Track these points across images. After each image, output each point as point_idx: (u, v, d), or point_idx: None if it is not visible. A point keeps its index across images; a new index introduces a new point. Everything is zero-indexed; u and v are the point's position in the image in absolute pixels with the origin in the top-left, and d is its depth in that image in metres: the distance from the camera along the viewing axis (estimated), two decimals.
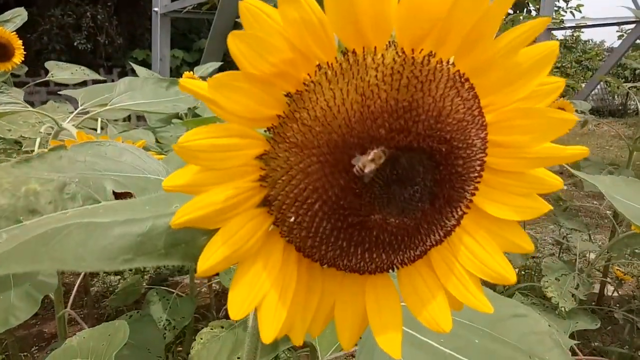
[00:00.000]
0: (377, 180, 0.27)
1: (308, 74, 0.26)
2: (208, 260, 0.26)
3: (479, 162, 0.30)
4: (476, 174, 0.30)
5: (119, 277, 2.95)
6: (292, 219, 0.28)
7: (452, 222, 0.31)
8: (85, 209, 0.32)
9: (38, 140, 1.47)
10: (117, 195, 0.40)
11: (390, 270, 0.32)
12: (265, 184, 0.28)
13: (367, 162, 0.24)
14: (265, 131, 0.28)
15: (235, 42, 0.23)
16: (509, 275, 0.33)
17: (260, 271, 0.29)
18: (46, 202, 0.35)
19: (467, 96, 0.28)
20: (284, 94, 0.27)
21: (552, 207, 0.35)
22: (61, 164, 0.42)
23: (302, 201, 0.27)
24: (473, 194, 0.31)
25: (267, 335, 0.28)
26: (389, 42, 0.27)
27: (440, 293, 0.33)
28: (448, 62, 0.28)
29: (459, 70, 0.28)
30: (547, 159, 0.32)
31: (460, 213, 0.31)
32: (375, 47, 0.26)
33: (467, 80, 0.28)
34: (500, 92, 0.30)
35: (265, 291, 0.29)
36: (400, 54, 0.26)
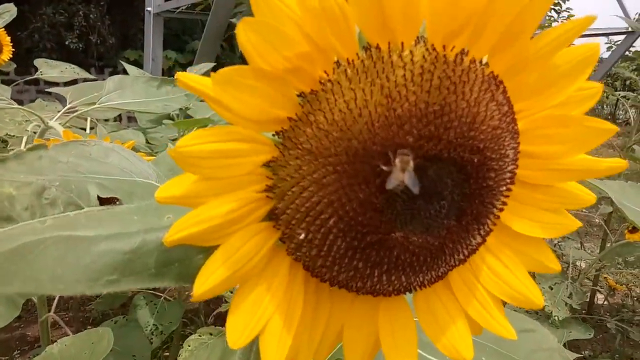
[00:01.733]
0: (401, 195, 0.23)
1: (325, 72, 0.23)
2: (206, 282, 0.23)
3: (509, 174, 0.27)
4: (506, 188, 0.27)
5: None
6: (302, 236, 0.24)
7: (477, 240, 0.28)
8: (65, 217, 0.28)
9: (25, 139, 1.42)
10: (102, 201, 0.36)
11: (407, 293, 0.29)
12: (272, 195, 0.24)
13: (398, 175, 0.21)
14: (273, 135, 0.24)
15: (245, 32, 0.20)
16: (536, 299, 0.30)
17: (263, 293, 0.25)
18: (22, 208, 0.31)
19: (502, 100, 0.25)
20: (297, 94, 0.23)
21: (581, 224, 0.32)
22: (41, 165, 0.38)
23: (314, 216, 0.23)
24: (501, 210, 0.28)
25: None
26: (418, 37, 0.23)
27: (460, 317, 0.30)
28: (481, 61, 0.25)
29: (492, 71, 0.25)
30: (581, 172, 0.29)
31: (487, 230, 0.28)
32: (402, 43, 0.23)
33: (501, 82, 0.25)
34: (535, 97, 0.27)
35: (268, 316, 0.25)
36: (431, 51, 0.23)
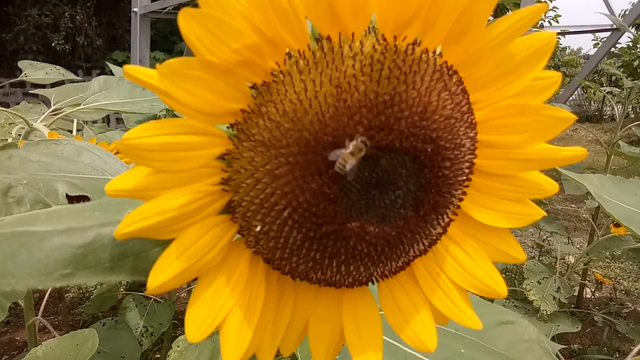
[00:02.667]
0: (355, 185, 0.23)
1: (276, 63, 0.23)
2: (161, 276, 0.23)
3: (467, 164, 0.27)
4: (464, 177, 0.27)
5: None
6: (259, 228, 0.24)
7: (437, 230, 0.28)
8: (25, 215, 0.28)
9: (9, 141, 1.40)
10: (71, 199, 0.36)
11: (370, 283, 0.29)
12: (227, 187, 0.24)
13: (347, 156, 0.21)
14: (227, 128, 0.24)
15: (188, 24, 0.20)
16: (499, 288, 0.31)
17: (222, 286, 0.25)
18: None
19: (455, 90, 0.25)
20: (249, 86, 0.23)
21: (545, 213, 0.32)
22: (11, 164, 0.38)
23: (269, 208, 0.23)
24: (461, 200, 0.28)
25: (231, 357, 0.25)
26: (369, 27, 0.24)
27: (424, 308, 0.30)
28: (434, 52, 0.25)
29: (446, 62, 0.25)
30: (541, 161, 0.29)
31: (446, 220, 0.28)
32: (353, 34, 0.23)
33: (455, 72, 0.25)
34: (492, 87, 0.27)
35: (228, 308, 0.25)
36: (381, 41, 0.23)
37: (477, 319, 0.31)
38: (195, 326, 0.24)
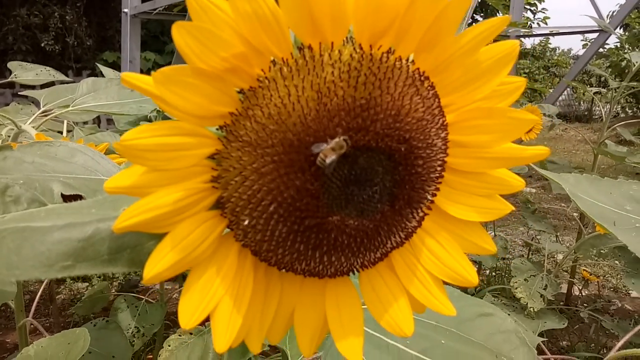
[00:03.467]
0: (335, 181, 0.25)
1: (262, 70, 0.25)
2: (155, 267, 0.25)
3: (439, 162, 0.29)
4: (437, 175, 0.30)
5: (86, 283, 2.87)
6: (247, 222, 0.26)
7: (413, 223, 0.30)
8: (25, 212, 0.30)
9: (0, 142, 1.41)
10: (66, 198, 0.38)
11: (351, 273, 0.32)
12: (217, 185, 0.26)
13: (328, 151, 0.23)
14: (217, 129, 0.26)
15: (181, 34, 0.22)
16: (471, 277, 0.33)
17: (213, 277, 0.27)
18: None
19: (427, 95, 0.27)
20: (236, 91, 0.25)
21: (514, 208, 0.34)
22: (6, 165, 0.40)
23: (256, 203, 0.25)
24: (434, 195, 0.31)
25: (221, 343, 0.27)
26: (347, 37, 0.26)
27: (402, 296, 0.32)
28: (407, 59, 0.27)
29: (418, 68, 0.27)
30: (508, 160, 0.32)
31: (421, 214, 0.30)
32: (332, 43, 0.25)
33: (427, 78, 0.27)
34: (461, 91, 0.29)
35: (218, 298, 0.27)
36: (358, 50, 0.25)
37: (451, 305, 0.33)
38: (188, 314, 0.26)
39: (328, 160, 0.23)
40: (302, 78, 0.25)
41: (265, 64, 0.25)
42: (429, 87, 0.27)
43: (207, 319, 0.27)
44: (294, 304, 0.32)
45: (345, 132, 0.24)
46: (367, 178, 0.26)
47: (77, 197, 0.37)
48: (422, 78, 0.27)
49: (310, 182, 0.25)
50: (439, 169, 0.29)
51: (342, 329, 0.31)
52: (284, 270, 0.29)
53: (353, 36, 0.26)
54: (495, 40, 0.30)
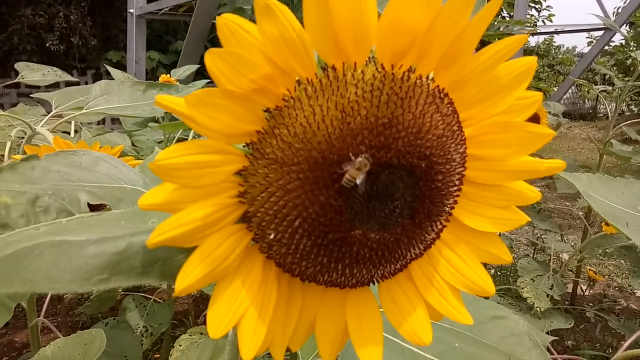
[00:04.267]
0: (358, 197, 0.26)
1: (287, 90, 0.26)
2: (186, 280, 0.26)
3: (458, 176, 0.30)
4: (455, 188, 0.30)
5: None
6: (272, 236, 0.27)
7: (432, 235, 0.31)
8: (58, 223, 0.31)
9: (9, 144, 1.42)
10: (92, 207, 0.39)
11: (371, 284, 0.32)
12: (244, 200, 0.27)
13: (354, 172, 0.24)
14: (244, 147, 0.27)
15: (213, 60, 0.23)
16: (488, 287, 0.34)
17: (239, 288, 0.28)
18: (18, 215, 0.33)
19: (447, 112, 0.28)
20: (263, 110, 0.26)
21: (530, 219, 0.35)
22: (34, 175, 0.41)
23: (281, 218, 0.26)
24: (452, 207, 0.31)
25: (247, 353, 0.28)
26: (369, 57, 0.27)
27: (420, 305, 0.33)
28: (428, 77, 0.28)
29: (438, 86, 0.28)
30: (525, 172, 0.32)
31: (440, 227, 0.31)
32: (355, 63, 0.26)
33: (446, 95, 0.28)
34: (479, 106, 0.30)
35: (244, 308, 0.28)
36: (380, 69, 0.26)
37: (468, 314, 0.34)
38: (216, 324, 0.27)
39: (359, 181, 0.24)
40: (326, 98, 0.25)
41: (290, 84, 0.26)
42: (448, 104, 0.28)
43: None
44: (315, 313, 0.33)
45: (368, 150, 0.25)
46: (388, 193, 0.27)
47: (102, 206, 0.38)
48: (442, 95, 0.28)
49: (334, 198, 0.26)
50: (457, 182, 0.30)
51: (362, 338, 0.32)
52: (307, 281, 0.30)
53: (375, 56, 0.27)
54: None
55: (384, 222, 0.28)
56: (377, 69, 0.26)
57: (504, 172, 0.32)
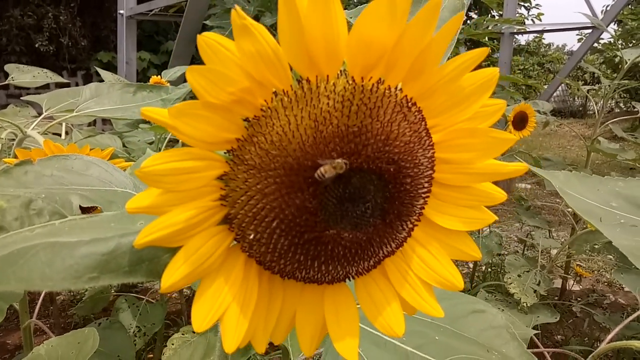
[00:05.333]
0: (331, 199, 0.28)
1: (265, 101, 0.28)
2: (171, 278, 0.28)
3: (426, 178, 0.32)
4: (424, 190, 0.33)
5: None
6: (252, 236, 0.29)
7: (403, 234, 0.33)
8: (51, 226, 0.33)
9: None
10: (84, 210, 0.41)
11: (347, 280, 0.35)
12: (225, 203, 0.29)
13: (329, 169, 0.26)
14: (225, 153, 0.29)
15: (194, 77, 0.25)
16: (457, 283, 0.36)
17: (222, 285, 0.30)
18: (12, 218, 0.35)
19: (414, 119, 0.30)
20: (242, 119, 0.28)
21: (497, 218, 0.38)
22: (27, 179, 0.42)
23: (260, 219, 0.28)
24: (423, 208, 0.34)
25: (229, 345, 0.30)
26: (341, 70, 0.29)
27: (394, 300, 0.35)
28: (396, 88, 0.30)
29: (406, 96, 0.30)
30: (490, 174, 0.35)
31: (410, 226, 0.33)
32: (327, 76, 0.28)
33: (414, 104, 0.30)
34: (446, 114, 0.32)
35: (227, 304, 0.30)
36: (350, 82, 0.28)
37: (440, 308, 0.36)
38: (200, 319, 0.29)
39: (327, 176, 0.26)
40: (300, 108, 0.27)
41: (267, 96, 0.28)
42: (416, 112, 0.30)
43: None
44: (295, 307, 0.35)
45: (339, 156, 0.27)
46: (360, 195, 0.29)
47: (93, 209, 0.40)
48: (410, 104, 0.30)
49: (309, 201, 0.28)
50: (426, 185, 0.32)
51: (339, 331, 0.34)
52: (286, 278, 0.32)
53: (346, 69, 0.29)
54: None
55: (356, 222, 0.30)
56: (347, 81, 0.28)
57: (472, 174, 0.35)
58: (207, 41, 0.25)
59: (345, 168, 0.27)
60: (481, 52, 0.30)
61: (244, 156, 0.28)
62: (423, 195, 0.33)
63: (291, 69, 0.28)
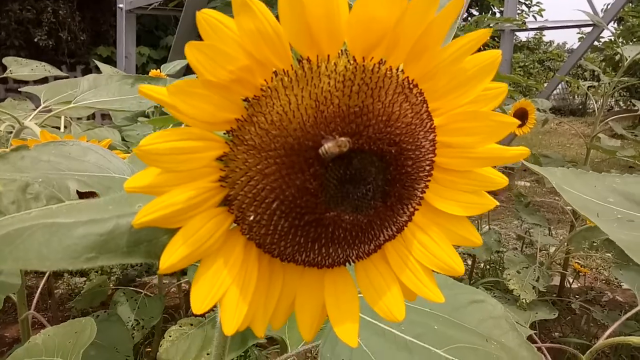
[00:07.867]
0: (332, 180, 0.28)
1: (265, 80, 0.28)
2: (170, 258, 0.27)
3: (428, 162, 0.32)
4: (426, 173, 0.32)
5: (84, 278, 2.89)
6: (252, 218, 0.29)
7: (404, 218, 0.33)
8: (48, 209, 0.32)
9: None
10: (81, 195, 0.40)
11: (348, 264, 0.34)
12: (225, 184, 0.29)
13: (332, 146, 0.26)
14: (225, 134, 0.29)
15: (192, 53, 0.24)
16: (458, 267, 0.36)
17: (221, 268, 0.30)
18: (9, 202, 0.35)
19: (415, 101, 0.30)
20: (242, 99, 0.28)
21: (498, 203, 0.37)
22: (24, 164, 0.42)
23: (260, 200, 0.28)
24: (423, 192, 0.33)
25: (229, 327, 0.30)
26: (342, 50, 0.28)
27: (394, 284, 0.35)
28: (398, 69, 0.30)
29: (407, 77, 0.30)
30: (492, 159, 0.34)
31: (411, 210, 0.33)
32: (328, 55, 0.28)
33: (415, 86, 0.30)
34: (448, 96, 0.32)
35: (226, 286, 0.30)
36: (352, 61, 0.28)
37: (440, 293, 0.36)
38: (199, 301, 0.29)
39: (329, 152, 0.26)
40: (301, 88, 0.27)
41: (267, 75, 0.28)
42: (417, 94, 0.30)
43: (208, 310, 0.30)
44: (295, 292, 0.35)
45: (340, 137, 0.27)
46: (361, 177, 0.29)
47: (91, 194, 0.40)
48: (411, 86, 0.30)
49: (310, 182, 0.28)
50: (427, 168, 0.32)
51: (339, 315, 0.33)
52: (286, 261, 0.32)
53: (347, 49, 0.28)
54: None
55: (357, 204, 0.30)
56: (349, 61, 0.28)
57: (473, 158, 0.34)
58: (207, 18, 0.25)
59: (348, 146, 0.27)
60: (483, 33, 0.30)
61: (243, 136, 0.28)
62: (424, 179, 0.32)
63: (291, 49, 0.28)
